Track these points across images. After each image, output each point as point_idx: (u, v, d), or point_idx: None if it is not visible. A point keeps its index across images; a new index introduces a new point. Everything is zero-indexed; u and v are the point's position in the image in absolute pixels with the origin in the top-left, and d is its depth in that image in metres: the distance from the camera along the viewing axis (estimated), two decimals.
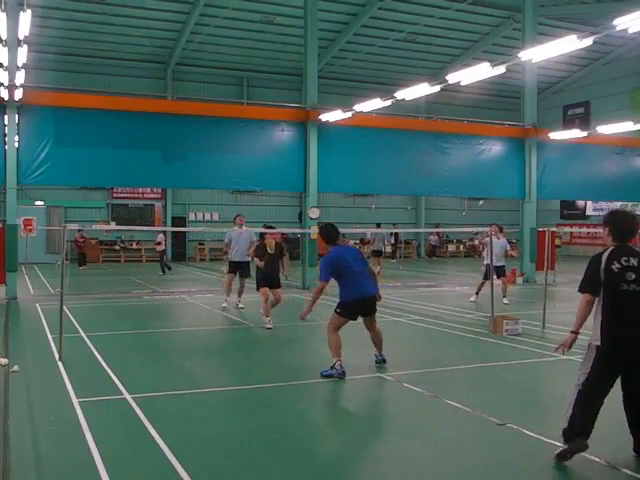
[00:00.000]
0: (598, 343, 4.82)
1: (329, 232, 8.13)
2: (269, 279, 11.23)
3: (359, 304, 7.66)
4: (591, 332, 4.93)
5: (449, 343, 10.15)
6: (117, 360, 8.37)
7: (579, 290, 4.92)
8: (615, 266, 4.77)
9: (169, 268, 23.60)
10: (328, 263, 7.74)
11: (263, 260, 11.20)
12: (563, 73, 34.93)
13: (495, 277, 14.07)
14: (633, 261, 4.79)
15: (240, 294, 13.60)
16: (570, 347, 5.02)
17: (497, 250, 14.33)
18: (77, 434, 5.42)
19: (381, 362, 8.06)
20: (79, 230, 24.65)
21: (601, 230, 5.18)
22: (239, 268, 13.45)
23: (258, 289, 11.36)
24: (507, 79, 26.52)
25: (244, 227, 13.62)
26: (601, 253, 4.92)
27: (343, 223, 27.35)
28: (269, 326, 10.99)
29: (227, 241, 13.70)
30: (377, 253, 23.52)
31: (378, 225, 23.91)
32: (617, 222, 5.01)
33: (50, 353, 8.78)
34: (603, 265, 4.81)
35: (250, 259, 13.21)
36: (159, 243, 23.44)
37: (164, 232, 24.49)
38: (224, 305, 13.40)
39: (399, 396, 6.96)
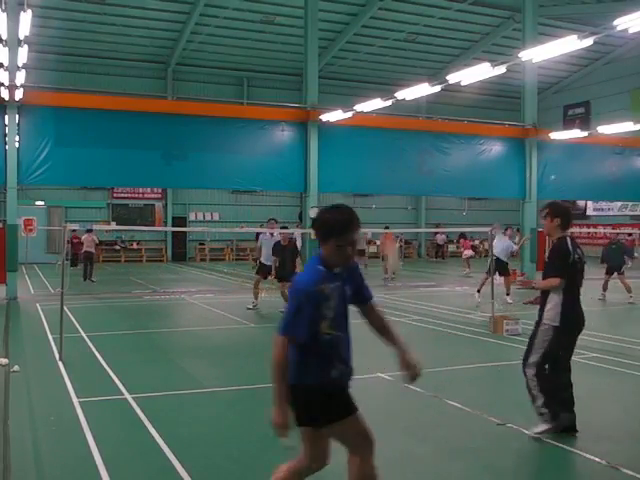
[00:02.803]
0: (556, 324, 5.28)
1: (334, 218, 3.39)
2: (280, 273, 12.63)
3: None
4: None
5: (449, 343, 10.14)
6: (117, 360, 8.36)
7: (558, 275, 5.33)
8: (576, 256, 5.37)
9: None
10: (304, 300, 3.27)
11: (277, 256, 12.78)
12: (563, 73, 34.92)
13: (498, 274, 14.16)
14: (579, 251, 5.45)
15: (255, 296, 13.65)
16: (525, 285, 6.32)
17: (499, 249, 14.38)
18: (77, 434, 5.42)
19: None
20: (73, 230, 24.52)
21: (556, 223, 5.48)
22: (264, 269, 13.60)
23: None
24: (507, 79, 26.53)
25: (276, 232, 13.62)
26: (566, 242, 5.39)
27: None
28: (250, 306, 13.18)
29: (259, 245, 14.01)
30: (360, 252, 23.88)
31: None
32: (566, 214, 5.51)
33: (50, 353, 8.78)
34: (572, 255, 5.33)
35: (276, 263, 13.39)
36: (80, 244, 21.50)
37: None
38: (249, 307, 13.46)
39: (399, 396, 6.96)
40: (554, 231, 5.48)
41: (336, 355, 3.36)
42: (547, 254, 5.60)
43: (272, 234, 13.59)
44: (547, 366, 5.38)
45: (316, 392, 3.32)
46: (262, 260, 13.64)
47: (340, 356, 3.40)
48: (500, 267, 14.18)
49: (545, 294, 5.43)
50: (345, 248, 3.17)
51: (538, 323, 5.42)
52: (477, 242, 32.65)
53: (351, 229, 3.17)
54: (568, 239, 5.42)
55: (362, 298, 3.61)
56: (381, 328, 3.59)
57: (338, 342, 3.37)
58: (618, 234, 17.41)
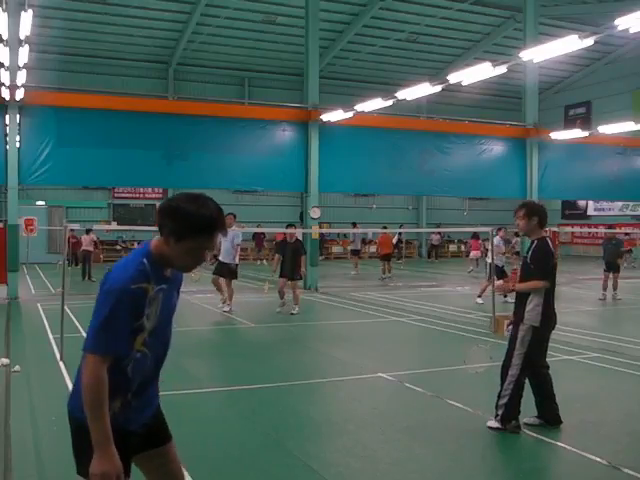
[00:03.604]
0: (536, 324, 5.33)
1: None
2: (287, 271, 12.74)
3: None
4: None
5: (450, 343, 10.14)
6: None
7: (544, 277, 5.38)
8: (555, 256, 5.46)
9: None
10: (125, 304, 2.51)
11: (281, 255, 12.81)
12: (564, 73, 34.90)
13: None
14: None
15: (229, 297, 13.16)
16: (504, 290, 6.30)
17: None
18: None
19: None
20: (71, 230, 24.49)
21: (534, 223, 5.52)
22: (222, 269, 13.00)
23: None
24: (508, 79, 26.54)
25: (234, 227, 13.21)
26: (548, 243, 5.44)
27: (344, 223, 27.41)
28: (278, 309, 12.78)
29: (218, 240, 13.49)
30: (355, 252, 23.91)
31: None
32: (542, 212, 5.54)
33: (51, 353, 8.78)
34: (553, 255, 5.43)
35: (237, 260, 12.98)
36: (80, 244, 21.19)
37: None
38: (223, 307, 13.20)
39: (400, 396, 6.96)
40: (533, 231, 5.49)
41: (133, 382, 2.60)
42: (529, 255, 5.51)
43: (229, 229, 13.11)
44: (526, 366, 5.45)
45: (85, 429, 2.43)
46: (220, 258, 13.08)
47: (137, 384, 2.64)
48: (497, 272, 14.24)
49: (524, 294, 5.44)
50: (203, 252, 2.58)
51: (517, 323, 5.46)
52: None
53: (218, 229, 2.56)
54: (548, 239, 5.47)
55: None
56: None
57: (144, 365, 2.63)
58: (616, 233, 17.40)
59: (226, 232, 2.63)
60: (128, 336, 2.47)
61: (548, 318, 5.40)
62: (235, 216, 13.50)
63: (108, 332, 2.41)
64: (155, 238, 2.61)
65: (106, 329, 2.41)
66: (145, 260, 2.53)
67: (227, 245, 12.94)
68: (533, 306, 5.35)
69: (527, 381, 5.53)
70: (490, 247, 13.25)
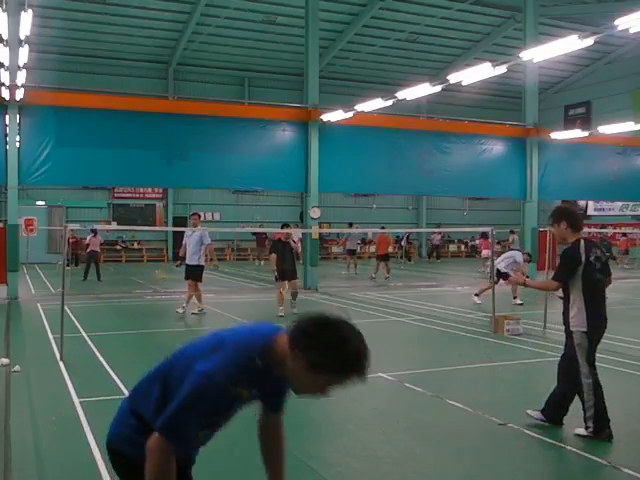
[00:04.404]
0: (584, 329, 5.22)
1: None
2: (283, 271, 12.47)
3: None
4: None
5: (450, 343, 10.14)
6: (118, 360, 8.36)
7: (555, 279, 5.39)
8: (591, 257, 5.25)
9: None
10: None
11: (277, 254, 12.50)
12: (564, 73, 34.90)
13: (502, 280, 14.18)
14: (598, 251, 5.34)
15: (198, 299, 12.73)
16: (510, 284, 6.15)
17: (504, 263, 14.38)
18: (78, 434, 5.42)
19: None
20: (70, 230, 24.39)
21: (563, 228, 5.43)
22: (188, 271, 12.61)
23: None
24: (508, 79, 26.53)
25: (199, 227, 12.73)
26: (576, 247, 5.28)
27: (344, 223, 27.40)
28: (280, 314, 12.18)
29: (183, 242, 12.82)
30: (351, 252, 23.95)
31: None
32: (569, 215, 5.44)
33: (51, 353, 8.78)
34: (583, 258, 5.22)
35: (202, 262, 12.52)
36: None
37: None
38: (194, 311, 12.64)
39: (400, 396, 6.96)
40: (566, 235, 5.40)
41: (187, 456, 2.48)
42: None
43: (194, 230, 12.56)
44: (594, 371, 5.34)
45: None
46: (187, 261, 12.60)
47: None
48: (502, 274, 14.25)
49: (567, 300, 5.36)
50: (329, 389, 2.21)
51: (568, 333, 5.37)
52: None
53: (360, 377, 2.20)
54: (582, 241, 5.31)
55: (273, 407, 2.55)
56: (273, 452, 2.61)
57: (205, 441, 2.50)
58: (605, 235, 17.35)
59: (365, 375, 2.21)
60: (195, 431, 2.25)
61: (595, 322, 5.26)
62: (200, 216, 13.09)
63: (184, 423, 2.17)
64: (280, 335, 2.23)
65: (183, 419, 2.17)
66: (258, 360, 2.19)
67: (193, 246, 12.48)
68: (576, 311, 5.27)
69: (556, 373, 5.53)
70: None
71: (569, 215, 5.44)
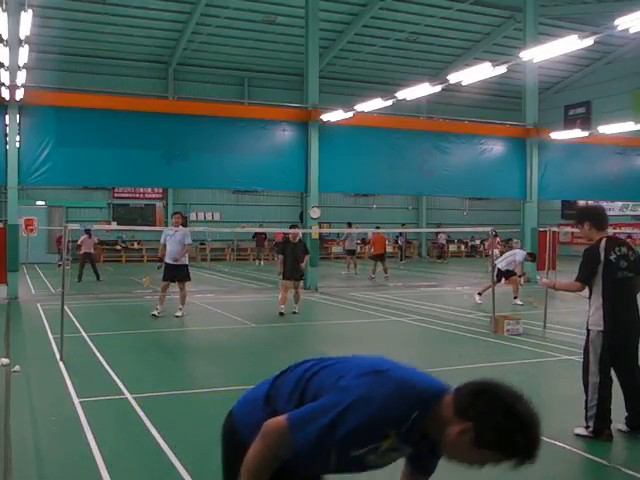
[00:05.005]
0: (601, 328, 5.15)
1: None
2: (289, 271, 12.61)
3: None
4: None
5: (450, 343, 10.14)
6: (118, 360, 8.37)
7: (578, 279, 5.33)
8: (612, 256, 5.15)
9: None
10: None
11: (284, 255, 12.74)
12: (564, 73, 34.91)
13: (504, 279, 14.27)
14: (623, 249, 5.24)
15: (182, 300, 12.54)
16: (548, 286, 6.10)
17: (504, 263, 14.43)
18: (78, 434, 5.42)
19: None
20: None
21: (587, 228, 5.42)
22: (171, 272, 12.38)
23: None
24: (508, 79, 26.52)
25: (180, 227, 12.45)
26: (596, 246, 5.23)
27: (344, 223, 27.40)
28: (280, 311, 12.46)
29: (162, 243, 12.54)
30: (350, 252, 23.93)
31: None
32: (592, 215, 5.42)
33: (51, 353, 8.78)
34: (602, 257, 5.15)
35: (186, 261, 12.38)
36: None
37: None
38: (154, 313, 12.32)
39: None
40: (591, 235, 5.37)
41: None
42: None
43: (176, 229, 12.34)
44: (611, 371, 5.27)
45: None
46: (166, 260, 12.38)
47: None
48: (503, 274, 14.31)
49: (590, 299, 5.34)
50: (486, 464, 2.02)
51: (587, 330, 5.36)
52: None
53: (527, 462, 1.94)
54: (603, 240, 5.26)
55: (424, 469, 2.45)
56: None
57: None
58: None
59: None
60: (320, 451, 2.01)
61: (616, 323, 5.16)
62: (182, 216, 12.94)
63: (315, 426, 1.98)
64: (448, 394, 2.02)
65: (316, 422, 1.99)
66: (416, 412, 1.97)
67: (175, 246, 12.30)
68: (594, 310, 5.25)
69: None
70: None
71: (591, 215, 5.42)
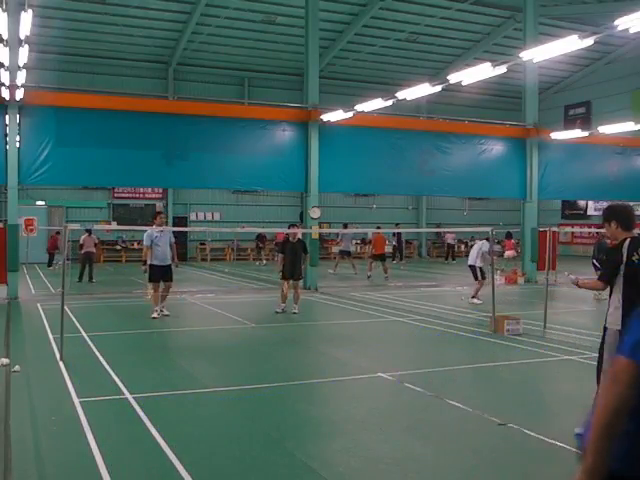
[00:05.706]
0: (619, 327, 5.14)
1: None
2: (288, 271, 12.79)
3: None
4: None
5: (450, 343, 10.14)
6: (118, 360, 8.37)
7: (599, 279, 5.48)
8: (635, 257, 5.16)
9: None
10: None
11: (283, 254, 12.99)
12: (564, 73, 34.91)
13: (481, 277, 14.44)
14: None
15: (164, 299, 12.50)
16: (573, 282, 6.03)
17: (472, 256, 14.60)
18: (78, 434, 5.42)
19: None
20: (57, 232, 24.23)
21: (604, 229, 5.52)
22: (161, 273, 12.25)
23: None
24: (508, 79, 26.52)
25: (164, 227, 12.44)
26: (620, 246, 5.25)
27: (344, 223, 27.39)
28: (278, 310, 12.86)
29: (148, 244, 12.23)
30: (345, 253, 23.89)
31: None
32: (619, 215, 5.39)
33: (51, 353, 8.79)
34: (625, 257, 5.17)
35: (172, 262, 12.36)
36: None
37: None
38: (154, 315, 12.19)
39: (400, 396, 6.96)
40: (617, 234, 5.37)
41: None
42: None
43: (161, 229, 12.25)
44: None
45: None
46: (155, 262, 12.13)
47: None
48: (474, 272, 14.53)
49: (609, 297, 5.37)
50: None
51: (604, 329, 5.37)
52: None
53: None
54: (627, 241, 5.25)
55: None
56: None
57: None
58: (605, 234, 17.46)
59: None
60: None
61: None
62: (164, 215, 12.76)
63: None
64: None
65: None
66: None
67: (165, 247, 12.23)
68: (612, 309, 5.27)
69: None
70: (478, 250, 13.30)
71: (618, 214, 5.41)
